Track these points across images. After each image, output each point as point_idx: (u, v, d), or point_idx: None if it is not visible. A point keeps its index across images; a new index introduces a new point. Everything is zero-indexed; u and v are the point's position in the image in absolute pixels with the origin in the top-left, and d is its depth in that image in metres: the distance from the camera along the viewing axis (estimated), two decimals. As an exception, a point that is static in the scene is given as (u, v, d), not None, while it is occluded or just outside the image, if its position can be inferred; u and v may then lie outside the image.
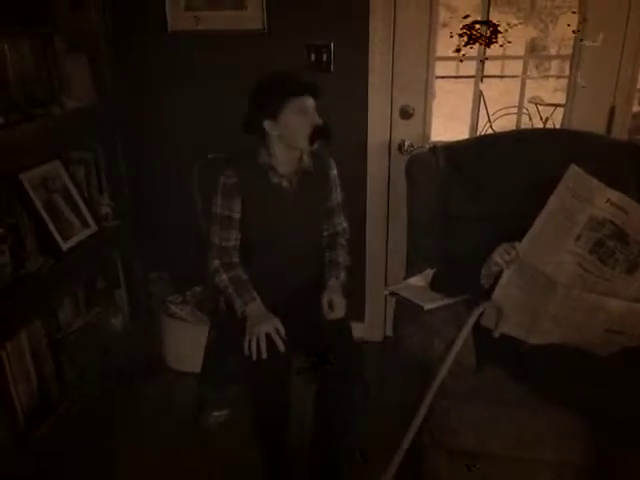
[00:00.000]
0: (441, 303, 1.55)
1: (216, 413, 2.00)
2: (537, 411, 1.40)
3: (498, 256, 1.39)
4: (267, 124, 1.60)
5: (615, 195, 1.29)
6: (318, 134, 1.60)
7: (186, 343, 2.22)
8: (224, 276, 1.65)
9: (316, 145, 1.62)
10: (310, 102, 1.60)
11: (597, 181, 1.31)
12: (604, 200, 1.29)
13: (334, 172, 1.77)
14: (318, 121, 1.59)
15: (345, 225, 1.83)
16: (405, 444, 1.40)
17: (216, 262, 1.67)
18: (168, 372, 2.31)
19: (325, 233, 1.81)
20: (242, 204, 1.65)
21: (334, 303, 1.63)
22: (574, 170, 1.34)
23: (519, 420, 1.40)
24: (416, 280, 1.69)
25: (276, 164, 1.65)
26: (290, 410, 1.60)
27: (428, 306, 1.52)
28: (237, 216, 1.66)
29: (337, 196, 1.79)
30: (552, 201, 1.35)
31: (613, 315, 1.28)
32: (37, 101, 1.78)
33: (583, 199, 1.31)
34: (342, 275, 1.73)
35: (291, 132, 1.59)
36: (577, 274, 1.31)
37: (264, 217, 1.67)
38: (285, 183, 1.67)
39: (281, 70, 1.63)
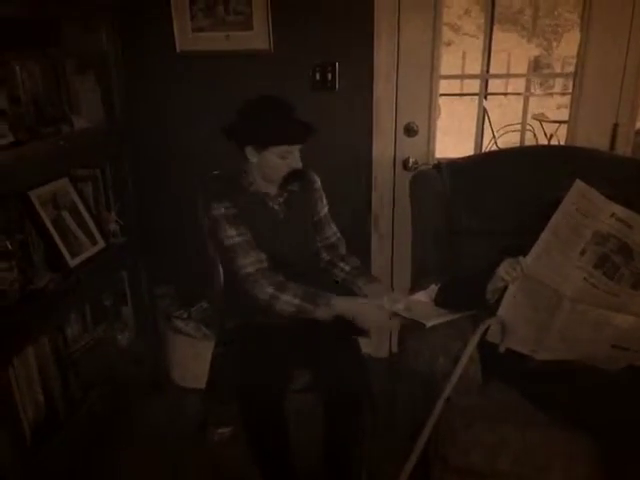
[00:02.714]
0: (444, 319, 1.54)
1: (221, 429, 1.99)
2: (545, 430, 1.38)
3: (503, 271, 1.39)
4: (249, 150, 1.56)
5: (620, 210, 1.29)
6: (293, 177, 1.60)
7: (191, 359, 2.22)
8: (285, 297, 1.54)
9: (288, 187, 1.63)
10: (297, 147, 1.57)
11: (602, 196, 1.31)
12: (609, 215, 1.29)
13: (317, 185, 1.75)
14: (298, 165, 1.58)
15: (339, 235, 1.80)
16: (411, 462, 1.38)
17: (270, 289, 1.54)
18: (173, 388, 2.31)
19: (320, 244, 1.78)
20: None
21: None
22: (579, 185, 1.33)
23: (527, 439, 1.38)
24: (421, 296, 1.69)
25: (257, 186, 1.64)
26: (288, 428, 1.55)
27: (430, 323, 1.51)
28: (251, 238, 1.60)
29: (323, 207, 1.77)
30: (557, 216, 1.35)
31: (619, 330, 1.27)
32: (47, 120, 1.80)
33: (588, 214, 1.31)
34: None
35: (268, 168, 1.58)
36: (583, 289, 1.30)
37: (260, 242, 1.62)
38: (273, 204, 1.66)
39: (281, 102, 1.55)
